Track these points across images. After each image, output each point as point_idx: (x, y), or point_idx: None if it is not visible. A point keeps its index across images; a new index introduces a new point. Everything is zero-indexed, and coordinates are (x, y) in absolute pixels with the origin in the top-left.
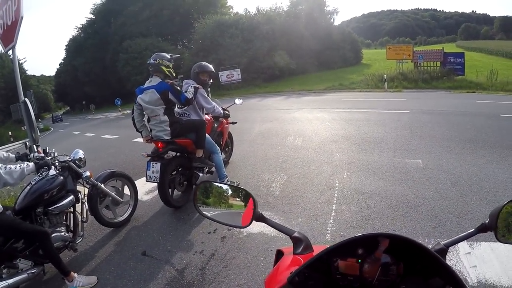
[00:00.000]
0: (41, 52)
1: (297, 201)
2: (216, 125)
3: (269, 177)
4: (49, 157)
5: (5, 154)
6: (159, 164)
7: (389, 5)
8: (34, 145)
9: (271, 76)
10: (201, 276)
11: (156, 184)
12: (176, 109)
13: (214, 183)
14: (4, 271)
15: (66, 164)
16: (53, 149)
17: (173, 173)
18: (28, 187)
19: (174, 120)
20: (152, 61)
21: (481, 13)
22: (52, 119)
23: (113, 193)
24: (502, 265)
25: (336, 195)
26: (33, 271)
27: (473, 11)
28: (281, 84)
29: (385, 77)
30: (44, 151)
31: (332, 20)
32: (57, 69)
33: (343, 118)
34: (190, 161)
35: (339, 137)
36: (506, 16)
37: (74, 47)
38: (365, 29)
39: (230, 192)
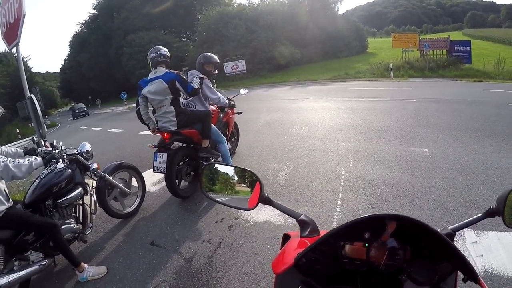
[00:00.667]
0: (45, 50)
1: (303, 189)
2: (221, 115)
3: (275, 166)
4: (57, 151)
5: (13, 149)
6: (165, 154)
7: None
8: (42, 140)
9: (276, 67)
10: (208, 265)
11: (163, 175)
12: (181, 100)
13: (220, 166)
14: (16, 263)
15: (74, 157)
16: (60, 143)
17: (179, 163)
18: (37, 181)
19: (180, 111)
20: (153, 54)
21: (488, 0)
22: (73, 113)
23: (121, 185)
24: (509, 255)
25: (342, 183)
26: (44, 262)
27: None
28: (286, 74)
29: (391, 66)
30: (52, 144)
31: (336, 9)
32: (62, 65)
33: (348, 107)
34: (197, 151)
35: (345, 126)
36: None
37: (78, 43)
38: (370, 18)
39: (236, 177)
